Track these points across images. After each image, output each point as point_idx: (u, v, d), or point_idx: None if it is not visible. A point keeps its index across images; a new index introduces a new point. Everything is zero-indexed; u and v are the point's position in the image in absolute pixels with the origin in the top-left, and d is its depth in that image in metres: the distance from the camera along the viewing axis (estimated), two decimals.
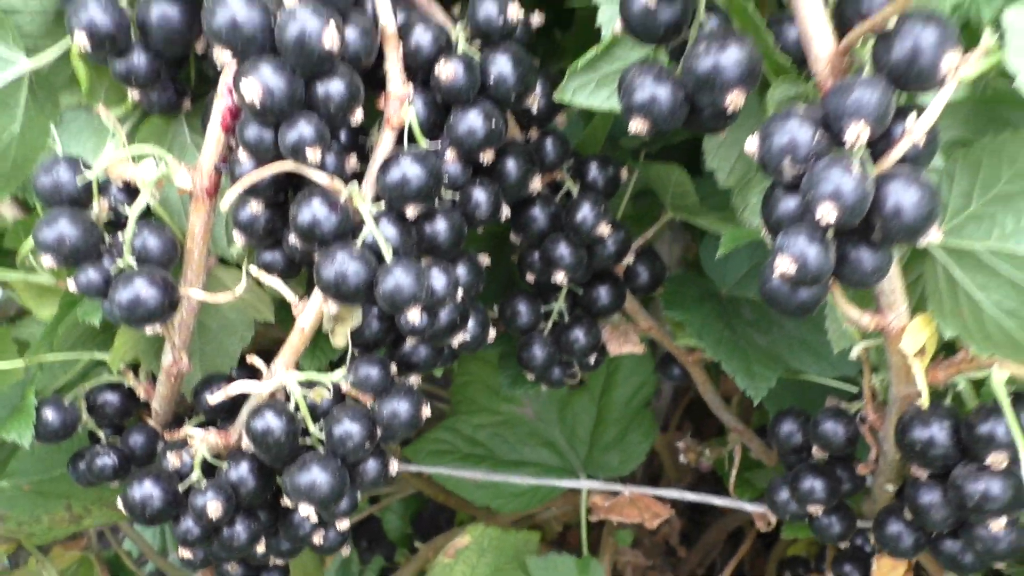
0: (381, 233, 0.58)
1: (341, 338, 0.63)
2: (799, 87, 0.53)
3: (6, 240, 0.75)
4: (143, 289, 0.60)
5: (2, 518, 0.96)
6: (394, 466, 0.66)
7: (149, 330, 0.61)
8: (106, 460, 0.76)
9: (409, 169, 0.57)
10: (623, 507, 1.03)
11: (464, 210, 0.63)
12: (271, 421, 0.61)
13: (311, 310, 0.62)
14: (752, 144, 0.46)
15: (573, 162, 0.72)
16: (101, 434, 0.78)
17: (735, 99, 0.47)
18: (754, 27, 0.52)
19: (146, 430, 0.79)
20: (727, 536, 1.42)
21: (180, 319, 0.67)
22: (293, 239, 0.63)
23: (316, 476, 0.61)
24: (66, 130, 0.69)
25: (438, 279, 0.58)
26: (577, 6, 0.71)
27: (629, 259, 0.77)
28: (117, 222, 0.65)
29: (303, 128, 0.56)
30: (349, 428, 0.62)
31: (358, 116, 0.58)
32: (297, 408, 0.62)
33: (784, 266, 0.43)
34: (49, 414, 0.74)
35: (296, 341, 0.63)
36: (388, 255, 0.58)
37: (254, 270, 0.63)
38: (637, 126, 0.50)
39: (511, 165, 0.65)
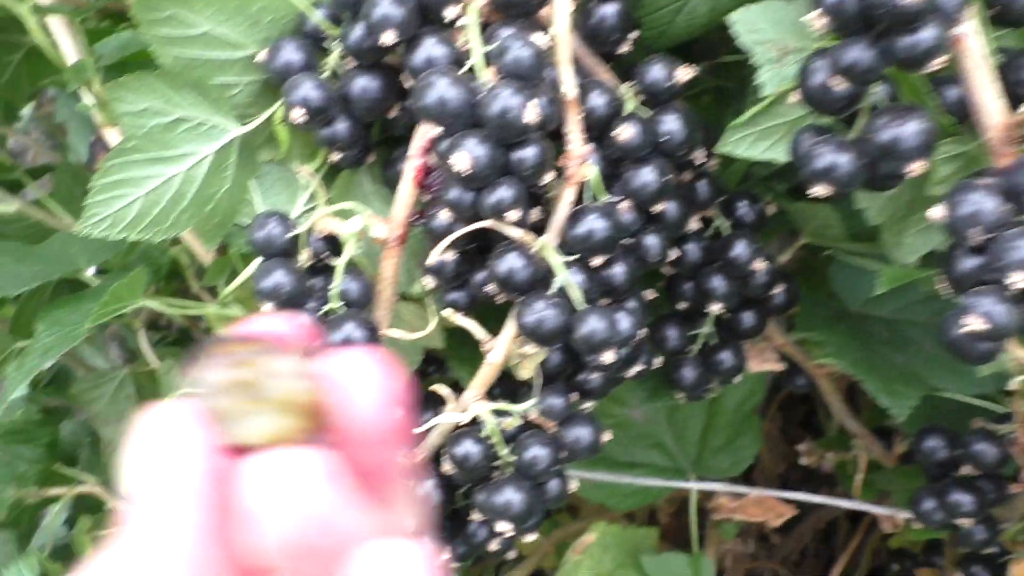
0: (572, 281, 0.64)
1: (527, 371, 0.70)
2: (964, 146, 0.58)
3: (206, 279, 0.84)
4: (353, 331, 0.68)
5: None
6: (574, 484, 0.73)
7: None
8: None
9: (595, 223, 0.64)
10: (748, 507, 1.09)
11: (636, 254, 0.69)
12: (470, 447, 0.68)
13: (500, 347, 0.69)
14: (938, 212, 0.51)
15: (723, 199, 0.77)
16: None
17: (917, 168, 0.53)
18: (921, 94, 0.57)
19: None
20: (823, 526, 1.47)
21: None
22: (481, 282, 0.70)
23: (510, 496, 0.68)
24: (262, 184, 0.77)
25: (624, 321, 0.65)
26: (728, 60, 0.76)
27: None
28: (315, 268, 0.73)
29: (503, 192, 0.63)
30: (538, 453, 0.68)
31: (548, 177, 0.64)
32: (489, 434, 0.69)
33: (974, 324, 0.48)
34: None
35: (487, 374, 0.70)
36: (579, 301, 0.64)
37: (448, 312, 0.70)
38: (820, 191, 0.55)
39: (673, 209, 0.71)
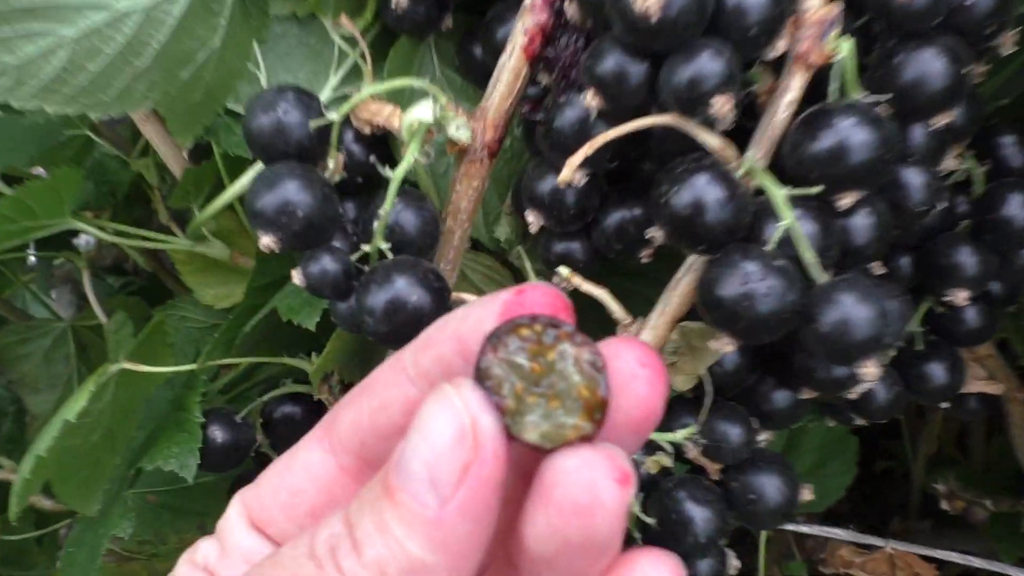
0: (802, 233, 0.37)
1: (687, 379, 0.43)
2: None
3: (172, 198, 0.55)
4: (409, 291, 0.40)
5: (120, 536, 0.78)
6: (733, 563, 0.46)
7: None
8: None
9: (849, 135, 0.36)
10: (879, 564, 0.83)
11: (892, 198, 0.41)
12: None
13: (649, 335, 0.42)
14: None
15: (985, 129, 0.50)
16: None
17: None
18: None
19: None
20: None
21: None
22: (617, 226, 0.43)
23: None
24: (273, 50, 0.49)
25: (893, 307, 0.37)
26: None
27: None
28: (347, 186, 0.45)
29: (706, 63, 0.35)
30: (694, 513, 0.42)
31: (780, 45, 0.37)
32: None
33: None
34: (218, 434, 0.55)
35: None
36: (814, 266, 0.37)
37: (563, 271, 0.42)
38: None
39: (961, 120, 0.44)
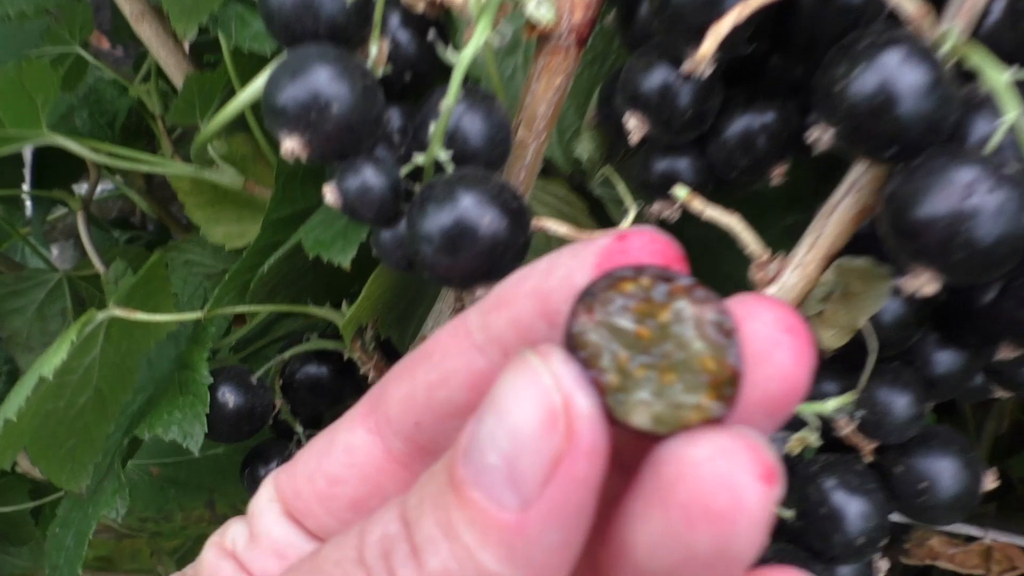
0: None
1: (838, 335, 0.33)
2: None
3: (172, 113, 0.45)
4: (480, 212, 0.30)
5: None
6: (882, 565, 0.36)
7: (483, 291, 0.32)
8: None
9: None
10: (971, 556, 0.73)
11: None
12: None
13: (791, 279, 0.32)
14: None
15: None
16: (299, 428, 0.50)
17: None
18: None
19: None
20: None
21: None
22: (735, 135, 0.32)
23: None
24: None
25: None
26: None
27: None
28: (393, 83, 0.35)
29: None
30: (846, 505, 0.32)
31: None
32: None
33: None
34: (230, 398, 0.46)
35: None
36: None
37: (680, 190, 0.32)
38: None
39: None
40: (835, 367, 0.34)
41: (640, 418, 0.20)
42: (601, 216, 0.44)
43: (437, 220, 0.30)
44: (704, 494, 0.20)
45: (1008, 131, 0.27)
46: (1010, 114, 0.27)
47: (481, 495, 0.21)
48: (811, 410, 0.32)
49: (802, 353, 0.21)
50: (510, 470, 0.21)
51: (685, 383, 0.20)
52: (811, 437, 0.32)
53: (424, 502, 0.22)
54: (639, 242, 0.22)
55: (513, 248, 0.31)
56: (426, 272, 0.31)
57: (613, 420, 0.20)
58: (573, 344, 0.20)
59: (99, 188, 0.77)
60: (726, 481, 0.20)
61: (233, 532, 0.31)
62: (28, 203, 1.09)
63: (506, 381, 0.21)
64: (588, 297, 0.20)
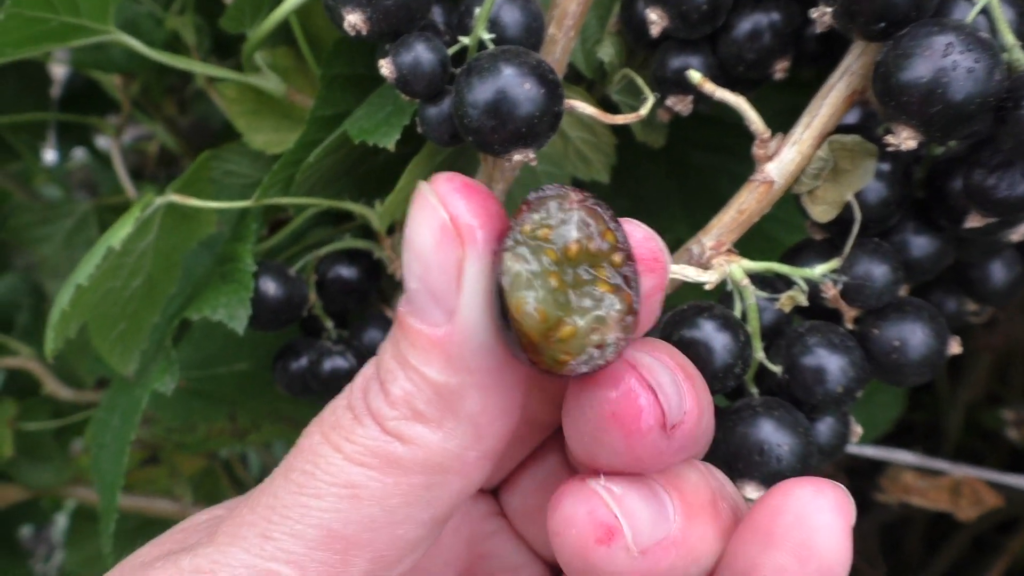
0: (1000, 11, 0.31)
1: (827, 210, 0.37)
2: None
3: (225, 20, 0.49)
4: (521, 80, 0.34)
5: (149, 420, 0.74)
6: (857, 429, 0.40)
7: (519, 156, 0.36)
8: (340, 362, 0.52)
9: None
10: (941, 492, 0.78)
11: None
12: (706, 333, 0.35)
13: (788, 155, 0.36)
14: None
15: None
16: (329, 324, 0.54)
17: None
18: None
19: (387, 326, 0.54)
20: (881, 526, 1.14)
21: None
22: (744, 32, 0.37)
23: (767, 434, 0.36)
24: None
25: None
26: None
27: None
28: None
29: None
30: (827, 362, 0.36)
31: None
32: (742, 319, 0.37)
33: None
34: (271, 287, 0.50)
35: (753, 203, 0.37)
36: (1017, 51, 0.31)
37: (695, 75, 0.37)
38: None
39: None
40: (819, 248, 0.39)
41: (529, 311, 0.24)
42: None
43: (482, 86, 0.34)
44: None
45: (980, 13, 0.31)
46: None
47: (415, 320, 0.25)
48: (800, 274, 0.37)
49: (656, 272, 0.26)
50: (427, 289, 0.24)
51: (609, 308, 0.24)
52: (800, 297, 0.37)
53: (386, 343, 0.27)
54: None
55: (548, 115, 0.35)
56: (469, 137, 0.36)
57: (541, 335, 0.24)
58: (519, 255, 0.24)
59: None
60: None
61: None
62: (48, 151, 1.12)
63: (410, 214, 0.25)
64: (536, 206, 0.25)
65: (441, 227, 0.24)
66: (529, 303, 0.23)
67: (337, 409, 0.27)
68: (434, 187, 0.24)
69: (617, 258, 0.24)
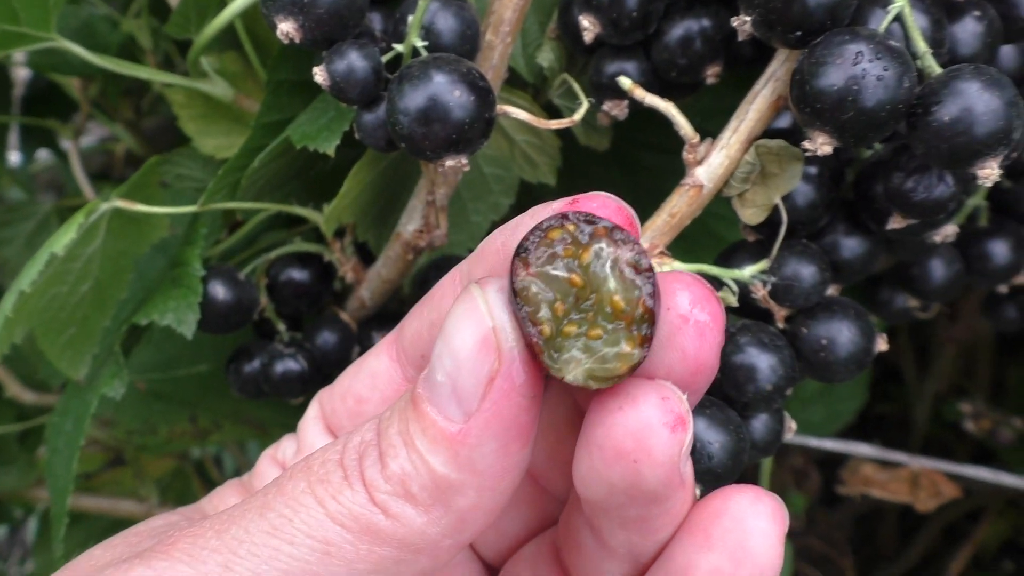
0: (913, 22, 0.32)
1: (757, 212, 0.38)
2: None
3: (170, 26, 0.50)
4: (451, 88, 0.35)
5: (108, 423, 0.74)
6: (792, 425, 0.41)
7: (452, 161, 0.36)
8: (291, 365, 0.53)
9: None
10: (901, 484, 0.79)
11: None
12: None
13: (717, 159, 0.37)
14: None
15: None
16: (281, 326, 0.54)
17: None
18: None
19: (341, 328, 0.55)
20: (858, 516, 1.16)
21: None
22: (676, 37, 0.37)
23: (699, 432, 0.37)
24: None
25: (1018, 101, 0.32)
26: None
27: None
28: None
29: None
30: (758, 362, 0.37)
31: None
32: None
33: None
34: (220, 291, 0.50)
35: (685, 206, 0.38)
36: (928, 59, 0.32)
37: (625, 82, 0.37)
38: None
39: None
40: (752, 249, 0.40)
41: (573, 375, 0.24)
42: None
43: (413, 94, 0.35)
44: (617, 439, 0.25)
45: (893, 21, 0.32)
46: (898, 2, 0.32)
47: (432, 409, 0.25)
48: (730, 275, 0.38)
49: (710, 332, 0.26)
50: (453, 387, 0.25)
51: (608, 335, 0.24)
52: (730, 298, 0.38)
53: (393, 415, 0.27)
54: (592, 204, 0.26)
55: (479, 121, 0.35)
56: (402, 143, 0.36)
57: (552, 376, 0.24)
58: (518, 299, 0.24)
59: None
60: (636, 429, 0.24)
61: (284, 446, 0.37)
62: (12, 153, 1.11)
63: (453, 310, 0.25)
64: (523, 252, 0.24)
65: (483, 337, 0.25)
66: (573, 375, 0.24)
67: (328, 463, 0.27)
68: (484, 291, 0.25)
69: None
